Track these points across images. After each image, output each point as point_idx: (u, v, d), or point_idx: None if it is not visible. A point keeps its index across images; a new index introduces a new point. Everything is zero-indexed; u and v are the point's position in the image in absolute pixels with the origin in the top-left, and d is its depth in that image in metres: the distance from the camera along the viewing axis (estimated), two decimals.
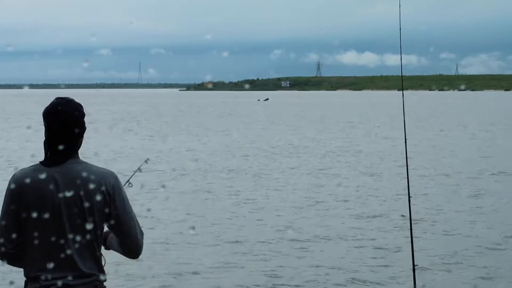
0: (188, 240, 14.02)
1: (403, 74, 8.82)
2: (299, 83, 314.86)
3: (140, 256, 4.35)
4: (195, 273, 11.70)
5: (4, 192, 4.12)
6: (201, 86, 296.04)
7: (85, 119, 4.21)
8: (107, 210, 4.08)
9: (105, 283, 4.21)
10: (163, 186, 20.67)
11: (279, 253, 12.96)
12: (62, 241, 4.02)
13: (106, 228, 4.22)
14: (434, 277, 11.31)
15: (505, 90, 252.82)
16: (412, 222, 7.97)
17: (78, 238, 4.04)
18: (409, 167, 8.13)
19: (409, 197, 7.80)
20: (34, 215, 4.02)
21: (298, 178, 22.93)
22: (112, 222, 4.13)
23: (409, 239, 7.75)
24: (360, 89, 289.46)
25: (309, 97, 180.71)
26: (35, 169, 4.09)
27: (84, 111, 4.22)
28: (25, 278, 4.16)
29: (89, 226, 4.05)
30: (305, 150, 32.85)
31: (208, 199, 18.87)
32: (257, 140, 39.01)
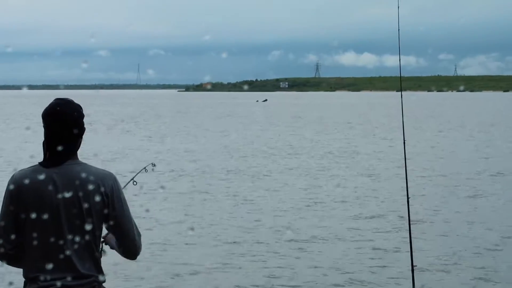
0: (187, 241, 14.03)
1: (401, 75, 8.83)
2: (297, 84, 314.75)
3: (139, 257, 4.36)
4: (193, 273, 11.71)
5: (3, 193, 4.13)
6: (199, 87, 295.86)
7: (84, 120, 4.22)
8: (106, 211, 4.09)
9: (104, 284, 4.22)
10: (162, 187, 20.67)
11: (277, 253, 12.97)
12: (61, 242, 4.03)
13: (104, 229, 4.24)
14: (432, 277, 11.32)
15: (504, 91, 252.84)
16: (411, 223, 7.98)
17: (77, 239, 4.05)
18: (407, 168, 8.14)
19: (407, 198, 7.82)
20: (33, 216, 4.03)
21: (297, 179, 22.94)
22: (111, 223, 4.14)
23: (408, 240, 7.76)
24: (358, 90, 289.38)
25: (308, 98, 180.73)
26: (34, 170, 4.10)
27: (83, 112, 4.23)
28: (24, 279, 4.17)
29: (88, 227, 4.05)
30: (303, 151, 32.85)
31: (207, 199, 18.87)
32: (256, 141, 39.02)
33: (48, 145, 4.12)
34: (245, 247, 13.52)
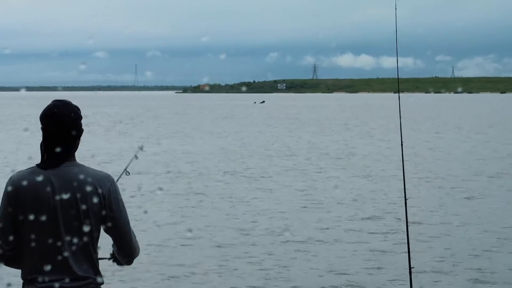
0: (184, 243, 14.02)
1: (399, 77, 8.84)
2: (295, 86, 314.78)
3: (136, 258, 4.37)
4: (191, 275, 11.71)
5: (1, 195, 4.14)
6: (197, 89, 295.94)
7: (81, 122, 4.23)
8: (103, 212, 4.10)
9: (102, 286, 4.22)
10: (160, 189, 20.66)
11: (273, 255, 12.97)
12: (58, 244, 4.04)
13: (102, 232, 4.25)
14: (430, 279, 11.33)
15: (501, 92, 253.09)
16: (408, 224, 7.98)
17: (74, 240, 4.05)
18: (405, 170, 8.15)
19: (405, 199, 7.81)
20: (31, 217, 4.03)
21: (294, 181, 22.94)
22: (109, 224, 4.14)
23: (405, 242, 7.76)
24: (356, 92, 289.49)
25: (305, 99, 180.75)
26: (32, 172, 4.11)
27: (81, 113, 4.24)
28: (22, 280, 4.17)
29: (85, 229, 4.06)
30: (300, 153, 32.86)
31: (203, 201, 18.87)
32: (253, 143, 39.03)
33: (46, 147, 4.12)
34: (241, 248, 13.53)
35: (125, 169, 5.48)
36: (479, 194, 19.94)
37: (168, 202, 18.64)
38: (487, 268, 12.03)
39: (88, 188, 4.05)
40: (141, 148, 6.10)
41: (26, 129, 45.68)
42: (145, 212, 16.61)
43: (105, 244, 4.34)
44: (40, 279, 4.04)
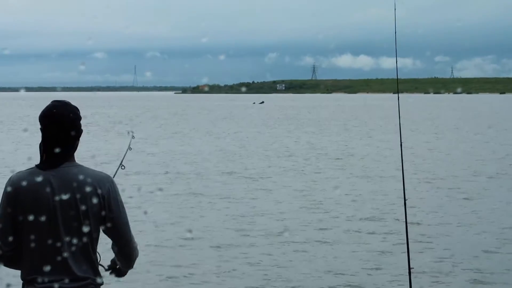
0: (183, 243, 14.02)
1: (398, 77, 8.84)
2: (294, 86, 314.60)
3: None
4: (190, 276, 11.71)
5: (0, 196, 4.13)
6: (196, 89, 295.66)
7: (81, 122, 4.22)
8: (103, 213, 4.10)
9: (101, 286, 4.23)
10: (160, 189, 20.65)
11: (272, 256, 12.97)
12: (58, 244, 4.04)
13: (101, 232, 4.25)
14: (429, 280, 11.33)
15: (500, 93, 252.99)
16: (408, 225, 7.98)
17: (74, 241, 4.05)
18: (404, 170, 8.15)
19: (404, 200, 7.81)
20: (30, 218, 4.03)
21: (293, 181, 22.93)
22: (108, 225, 4.14)
23: (405, 242, 7.76)
24: (355, 92, 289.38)
25: (305, 100, 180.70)
26: (31, 172, 4.11)
27: (80, 114, 4.24)
28: (22, 281, 4.17)
29: (85, 229, 4.06)
30: (299, 153, 32.85)
31: (202, 202, 18.86)
32: (252, 143, 39.02)
33: (45, 147, 4.12)
34: (240, 249, 13.52)
35: (121, 163, 5.44)
36: (478, 194, 19.94)
37: (167, 203, 18.63)
38: (486, 268, 12.03)
39: (88, 189, 4.05)
40: (132, 137, 6.04)
41: (25, 130, 45.68)
42: (145, 212, 16.59)
43: (105, 250, 4.34)
44: (39, 280, 4.04)
